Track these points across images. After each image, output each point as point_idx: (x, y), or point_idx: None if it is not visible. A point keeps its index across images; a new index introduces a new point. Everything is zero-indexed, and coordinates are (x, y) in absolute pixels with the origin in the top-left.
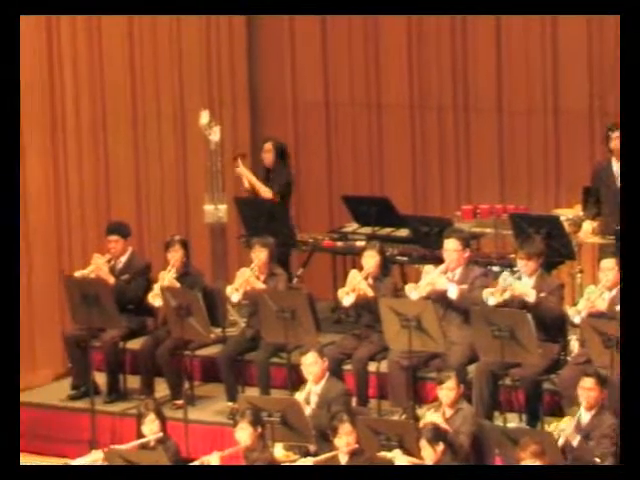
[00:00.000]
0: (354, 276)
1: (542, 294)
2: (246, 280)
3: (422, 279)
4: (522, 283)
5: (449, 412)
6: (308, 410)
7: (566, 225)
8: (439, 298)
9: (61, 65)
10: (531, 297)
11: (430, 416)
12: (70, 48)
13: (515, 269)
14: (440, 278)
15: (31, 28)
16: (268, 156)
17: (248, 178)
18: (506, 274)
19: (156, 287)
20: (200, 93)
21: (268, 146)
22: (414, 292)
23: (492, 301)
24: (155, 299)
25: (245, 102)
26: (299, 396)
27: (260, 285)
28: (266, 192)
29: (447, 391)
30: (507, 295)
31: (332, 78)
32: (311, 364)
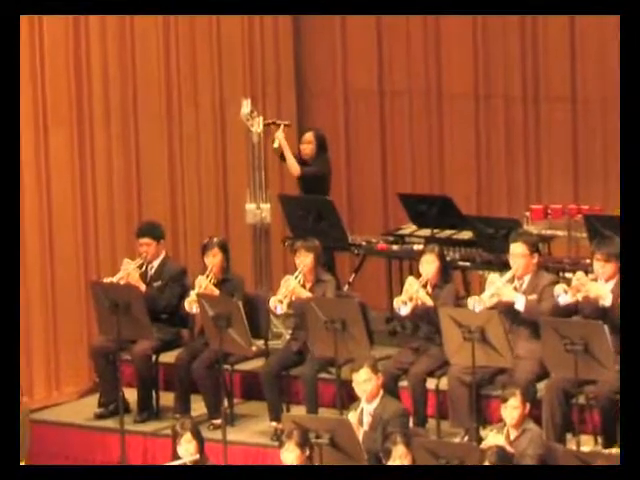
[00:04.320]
0: (411, 283)
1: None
2: (291, 291)
3: (486, 289)
4: (598, 284)
5: (514, 433)
6: (361, 432)
7: None
8: (505, 310)
9: (88, 49)
10: (607, 301)
11: (493, 438)
12: (98, 30)
13: (590, 275)
14: (506, 288)
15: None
16: (309, 147)
17: (282, 144)
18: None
19: (192, 293)
20: (241, 80)
21: (309, 137)
22: (477, 305)
23: (563, 299)
24: (191, 305)
25: (291, 90)
26: (352, 416)
27: (306, 294)
28: (294, 166)
29: (511, 410)
30: (580, 296)
31: (387, 63)
32: (364, 381)
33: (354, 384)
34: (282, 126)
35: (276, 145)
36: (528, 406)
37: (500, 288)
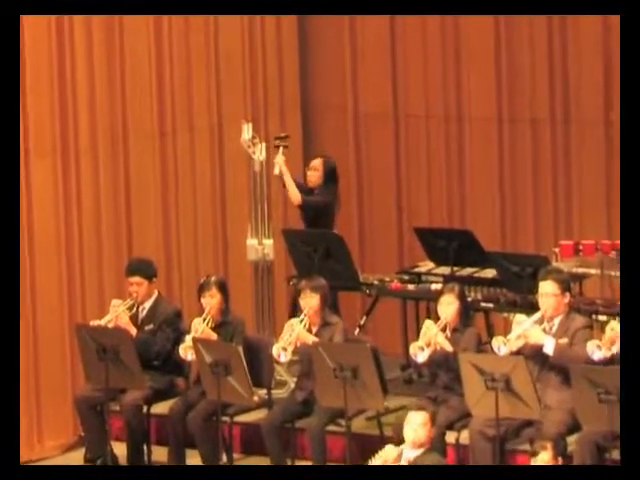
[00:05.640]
0: (429, 327)
1: None
2: (296, 336)
3: (512, 331)
4: None
5: None
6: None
7: None
8: (533, 354)
9: (73, 69)
10: None
11: None
12: (85, 49)
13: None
14: (534, 329)
15: (39, 27)
16: (315, 175)
17: (282, 171)
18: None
19: (188, 338)
20: (242, 100)
21: (316, 163)
22: (503, 347)
23: (598, 355)
24: (187, 352)
25: (296, 113)
26: (390, 449)
27: (313, 339)
28: (294, 193)
29: (542, 465)
30: (615, 349)
31: (402, 84)
32: (419, 425)
33: (406, 422)
34: (281, 148)
35: (277, 171)
36: (560, 461)
37: (528, 329)
